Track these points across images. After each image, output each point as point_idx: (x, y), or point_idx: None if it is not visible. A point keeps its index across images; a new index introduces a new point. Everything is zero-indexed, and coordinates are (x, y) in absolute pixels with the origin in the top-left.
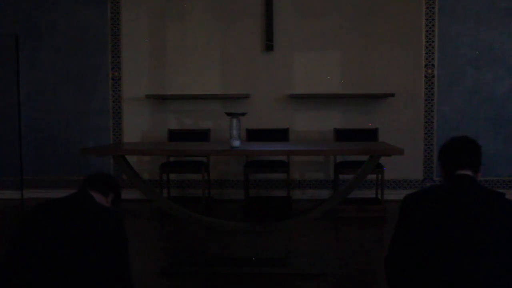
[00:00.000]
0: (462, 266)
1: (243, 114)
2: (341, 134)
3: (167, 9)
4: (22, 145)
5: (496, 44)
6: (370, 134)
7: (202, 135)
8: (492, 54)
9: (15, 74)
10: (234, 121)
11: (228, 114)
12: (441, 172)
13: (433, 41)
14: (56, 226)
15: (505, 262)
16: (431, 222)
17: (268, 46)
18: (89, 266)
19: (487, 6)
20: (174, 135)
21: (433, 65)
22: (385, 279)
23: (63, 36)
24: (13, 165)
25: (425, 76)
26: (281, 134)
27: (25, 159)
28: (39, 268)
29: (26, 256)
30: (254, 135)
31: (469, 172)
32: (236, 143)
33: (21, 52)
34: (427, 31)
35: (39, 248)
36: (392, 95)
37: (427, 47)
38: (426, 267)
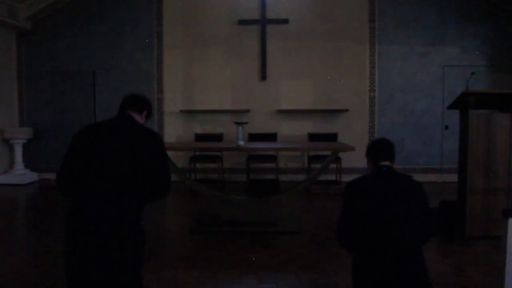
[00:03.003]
0: (390, 231)
1: (245, 123)
2: (313, 137)
3: (195, 52)
4: None
5: (416, 76)
6: (332, 137)
7: (218, 137)
8: (413, 83)
9: (92, 98)
10: (240, 127)
11: (236, 123)
12: (368, 164)
13: (374, 74)
14: (112, 142)
15: (418, 225)
16: (367, 200)
17: (263, 77)
18: (142, 170)
19: (409, 50)
20: (199, 137)
21: (374, 90)
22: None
23: (124, 72)
24: None
25: (369, 98)
26: (272, 137)
27: None
28: (98, 171)
29: (87, 162)
30: (253, 137)
31: (387, 163)
32: (241, 143)
33: (96, 83)
34: (370, 67)
35: (96, 158)
36: (347, 110)
37: (370, 78)
38: (365, 233)
